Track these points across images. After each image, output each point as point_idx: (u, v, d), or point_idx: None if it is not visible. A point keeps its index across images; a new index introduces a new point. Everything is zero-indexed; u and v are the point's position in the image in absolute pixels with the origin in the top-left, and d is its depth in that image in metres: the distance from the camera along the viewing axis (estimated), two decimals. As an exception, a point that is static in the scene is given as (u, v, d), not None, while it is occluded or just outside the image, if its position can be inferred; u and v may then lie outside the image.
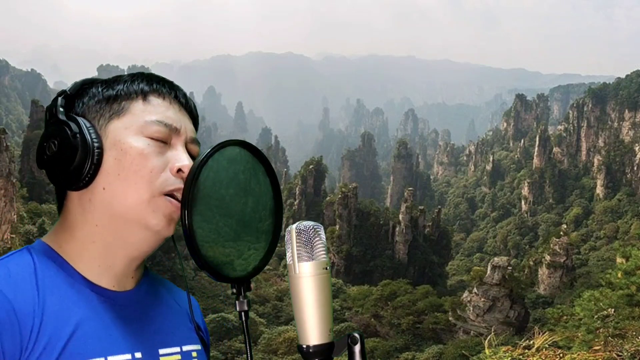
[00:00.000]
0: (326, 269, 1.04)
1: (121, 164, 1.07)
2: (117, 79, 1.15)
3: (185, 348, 1.20)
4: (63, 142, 1.05)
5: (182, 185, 1.08)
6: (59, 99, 1.11)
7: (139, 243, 1.11)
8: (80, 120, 1.08)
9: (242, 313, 1.11)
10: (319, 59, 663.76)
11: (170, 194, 1.09)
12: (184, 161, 1.10)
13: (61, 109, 1.09)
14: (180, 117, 1.16)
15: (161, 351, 1.15)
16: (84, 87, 1.14)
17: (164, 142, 1.11)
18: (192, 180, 1.04)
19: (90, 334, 1.04)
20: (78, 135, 1.05)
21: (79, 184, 1.07)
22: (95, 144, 1.06)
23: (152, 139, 1.09)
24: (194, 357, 1.20)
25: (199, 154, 1.11)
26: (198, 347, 1.23)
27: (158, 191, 1.08)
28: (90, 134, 1.06)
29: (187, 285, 1.28)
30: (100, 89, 1.13)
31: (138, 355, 1.09)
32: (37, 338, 0.98)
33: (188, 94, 1.16)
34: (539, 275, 65.50)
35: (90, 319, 1.05)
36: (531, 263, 68.33)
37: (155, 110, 1.12)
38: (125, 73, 1.21)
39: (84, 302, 1.06)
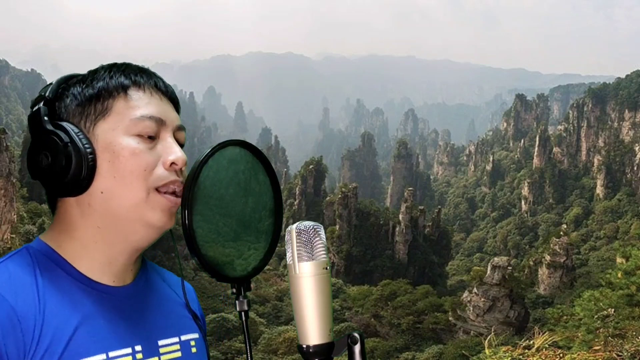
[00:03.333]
0: (326, 269, 1.04)
1: (115, 166, 1.06)
2: (95, 75, 1.13)
3: (184, 337, 1.20)
4: (55, 153, 1.04)
5: (176, 178, 1.10)
6: (41, 107, 1.09)
7: (141, 239, 1.12)
8: (68, 127, 1.06)
9: (242, 313, 1.11)
10: (319, 59, 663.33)
11: (165, 189, 1.09)
12: (176, 153, 1.11)
13: (45, 118, 1.07)
14: (163, 107, 1.14)
15: (160, 342, 1.15)
16: (62, 88, 1.12)
17: (153, 137, 1.10)
18: (193, 180, 1.04)
19: (91, 331, 1.04)
20: (69, 144, 1.04)
21: (78, 192, 1.07)
22: (88, 150, 1.05)
23: (140, 136, 1.09)
24: (192, 346, 1.21)
25: (200, 154, 1.08)
26: (196, 335, 1.24)
27: (153, 187, 1.08)
28: (80, 139, 1.05)
29: (182, 274, 1.28)
30: (80, 89, 1.11)
31: (138, 348, 1.10)
32: (39, 339, 0.98)
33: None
34: (539, 275, 65.47)
35: (91, 317, 1.06)
36: (531, 263, 68.29)
37: (137, 106, 1.10)
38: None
39: (85, 300, 1.07)
